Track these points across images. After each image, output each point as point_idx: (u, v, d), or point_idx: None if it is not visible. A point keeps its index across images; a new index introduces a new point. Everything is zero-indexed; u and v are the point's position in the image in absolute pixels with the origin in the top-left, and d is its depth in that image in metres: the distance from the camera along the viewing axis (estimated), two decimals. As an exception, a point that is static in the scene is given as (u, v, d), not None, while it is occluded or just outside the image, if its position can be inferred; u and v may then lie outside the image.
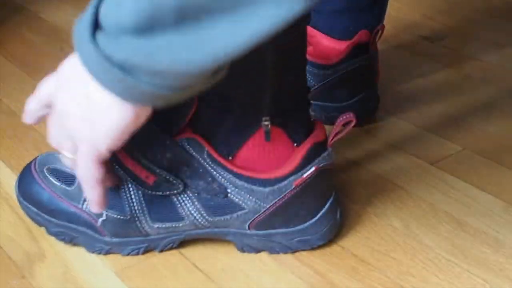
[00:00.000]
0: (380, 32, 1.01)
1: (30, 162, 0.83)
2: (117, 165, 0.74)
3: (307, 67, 0.86)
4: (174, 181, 0.74)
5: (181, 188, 0.74)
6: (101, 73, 0.57)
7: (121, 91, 0.57)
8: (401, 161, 0.95)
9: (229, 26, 0.51)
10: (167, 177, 0.74)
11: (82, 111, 0.62)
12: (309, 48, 1.02)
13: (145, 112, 0.62)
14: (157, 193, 0.75)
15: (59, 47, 1.31)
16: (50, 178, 0.79)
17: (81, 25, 0.57)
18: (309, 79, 1.00)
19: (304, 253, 0.80)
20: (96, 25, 0.56)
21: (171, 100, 0.59)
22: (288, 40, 0.72)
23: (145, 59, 0.54)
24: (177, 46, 0.52)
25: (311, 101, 0.80)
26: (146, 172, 0.74)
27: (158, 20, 0.51)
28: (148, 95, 0.57)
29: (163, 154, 0.73)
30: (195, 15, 0.51)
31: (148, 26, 0.52)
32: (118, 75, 0.55)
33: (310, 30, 1.01)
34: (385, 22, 1.02)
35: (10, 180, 0.93)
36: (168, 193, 0.75)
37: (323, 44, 1.03)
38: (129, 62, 0.55)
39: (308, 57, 0.91)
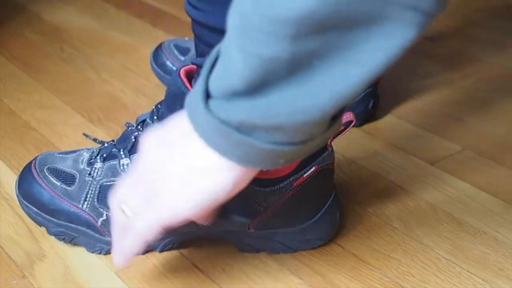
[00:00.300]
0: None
1: (30, 162, 0.83)
2: None
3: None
4: None
5: None
6: (218, 139, 0.55)
7: (240, 155, 0.56)
8: (401, 161, 0.95)
9: (343, 66, 0.49)
10: None
11: (182, 175, 0.59)
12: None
13: (251, 174, 0.59)
14: None
15: (59, 47, 1.31)
16: (50, 178, 0.80)
17: (192, 98, 0.56)
18: (309, 79, 1.00)
19: (304, 253, 0.80)
20: (207, 96, 0.55)
21: (290, 159, 0.57)
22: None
23: (262, 117, 0.52)
24: (293, 97, 0.51)
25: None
26: None
27: (271, 75, 0.50)
28: (267, 155, 0.55)
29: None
30: (308, 62, 0.50)
31: (260, 84, 0.51)
32: (237, 137, 0.54)
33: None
34: (385, 22, 1.02)
35: (10, 180, 0.93)
36: None
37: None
38: (247, 123, 0.53)
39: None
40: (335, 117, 0.57)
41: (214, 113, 0.54)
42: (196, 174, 0.58)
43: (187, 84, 0.74)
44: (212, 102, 0.54)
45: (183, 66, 0.76)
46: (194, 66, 0.76)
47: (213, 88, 0.54)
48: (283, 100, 0.52)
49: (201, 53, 0.76)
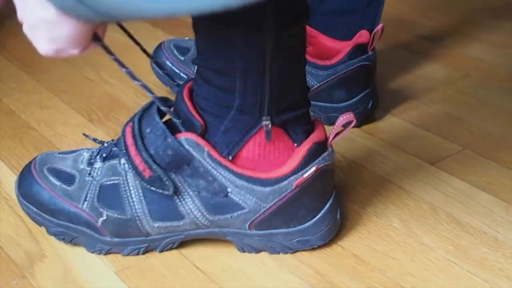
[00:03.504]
0: (380, 32, 1.01)
1: (30, 162, 0.83)
2: (124, 151, 0.76)
3: (307, 68, 0.86)
4: (167, 182, 0.74)
5: (171, 191, 0.75)
6: None
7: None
8: (401, 161, 0.96)
9: None
10: (161, 175, 0.74)
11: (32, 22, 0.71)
12: (309, 48, 1.02)
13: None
14: (151, 188, 0.75)
15: (59, 47, 1.31)
16: (50, 178, 0.79)
17: None
18: (309, 79, 1.00)
19: (304, 253, 0.80)
20: None
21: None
22: (287, 40, 0.72)
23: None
24: None
25: (311, 102, 0.80)
26: (144, 165, 0.74)
27: None
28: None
29: (165, 151, 0.74)
30: None
31: None
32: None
33: (310, 30, 1.01)
34: (385, 22, 1.03)
35: (10, 180, 0.93)
36: (160, 191, 0.75)
37: (323, 44, 1.03)
38: None
39: (308, 57, 0.91)
40: None
41: None
42: (40, 23, 0.68)
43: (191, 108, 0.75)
44: None
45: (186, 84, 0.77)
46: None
47: None
48: None
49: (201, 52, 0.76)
